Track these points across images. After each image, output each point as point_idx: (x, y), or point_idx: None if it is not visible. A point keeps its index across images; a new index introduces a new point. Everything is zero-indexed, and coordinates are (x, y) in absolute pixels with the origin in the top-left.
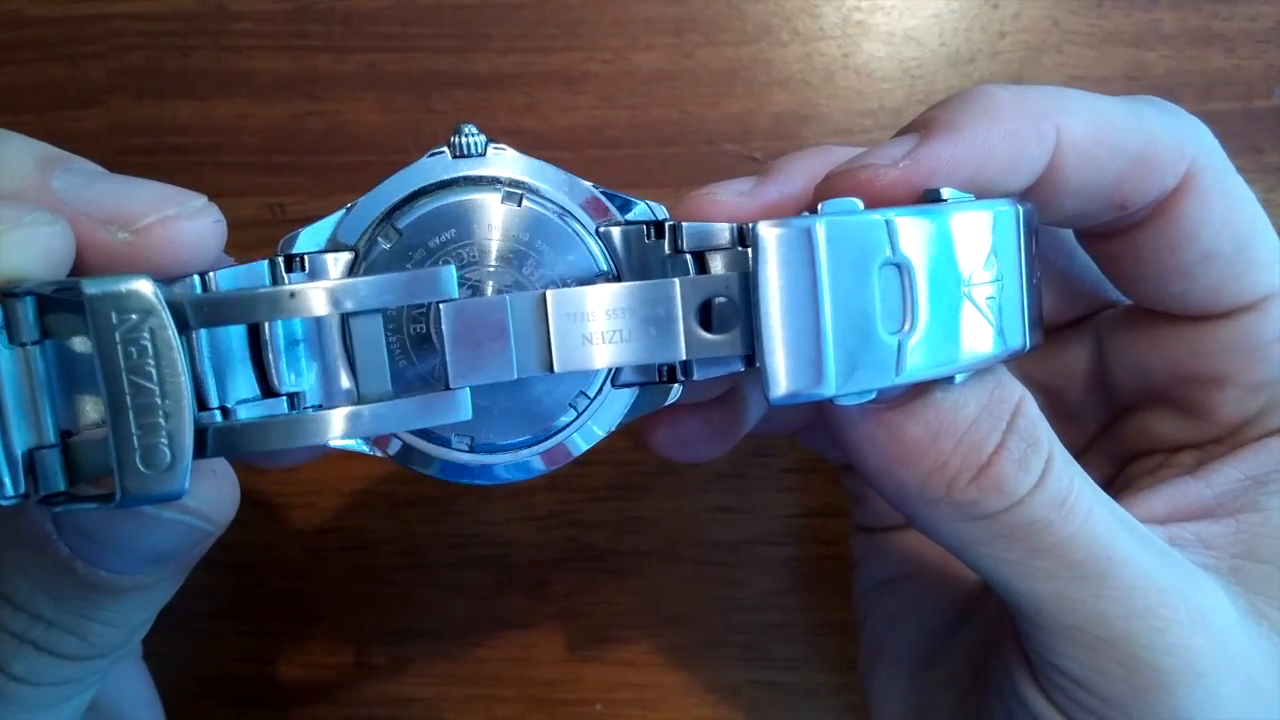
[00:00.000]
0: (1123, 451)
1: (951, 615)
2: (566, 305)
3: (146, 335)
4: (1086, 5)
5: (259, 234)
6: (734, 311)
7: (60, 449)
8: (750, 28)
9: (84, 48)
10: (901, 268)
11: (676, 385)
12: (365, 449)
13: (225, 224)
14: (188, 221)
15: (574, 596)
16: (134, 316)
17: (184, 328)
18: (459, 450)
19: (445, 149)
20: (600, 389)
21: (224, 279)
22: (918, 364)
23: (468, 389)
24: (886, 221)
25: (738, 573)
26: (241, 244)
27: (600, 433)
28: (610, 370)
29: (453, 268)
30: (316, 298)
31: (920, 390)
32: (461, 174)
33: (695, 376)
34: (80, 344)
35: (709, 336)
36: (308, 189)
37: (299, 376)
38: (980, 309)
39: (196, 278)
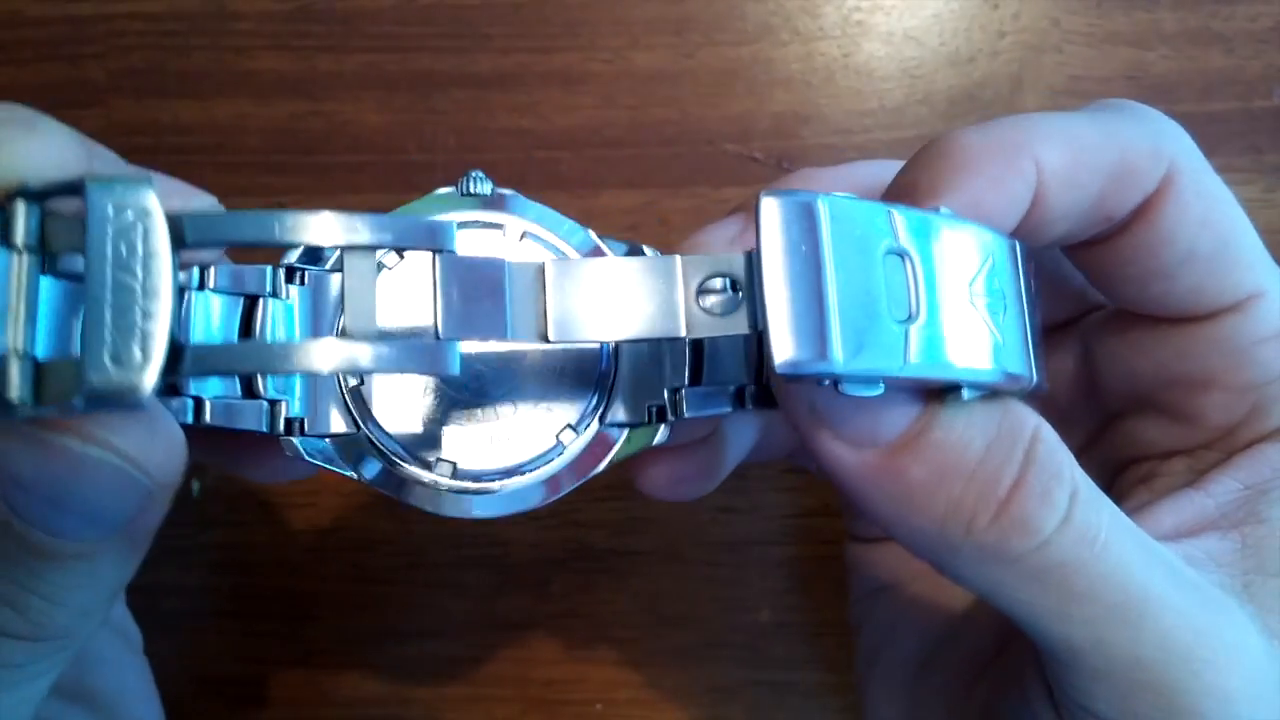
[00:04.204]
0: (1114, 459)
1: (947, 623)
2: (565, 275)
3: (139, 236)
4: (1086, 5)
5: None
6: (737, 292)
7: (31, 360)
8: (750, 28)
9: (84, 48)
10: (905, 257)
11: (664, 426)
12: (349, 473)
13: None
14: None
15: (574, 596)
16: (130, 215)
17: (179, 245)
18: (441, 476)
19: (453, 187)
20: (587, 425)
21: (223, 274)
22: (925, 357)
23: (456, 342)
24: (888, 210)
25: (738, 573)
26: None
27: (576, 481)
28: (599, 407)
29: (454, 222)
30: (309, 225)
31: (920, 429)
32: (467, 211)
33: (685, 415)
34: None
35: (711, 315)
36: (308, 189)
37: (284, 381)
38: (986, 320)
39: (196, 270)
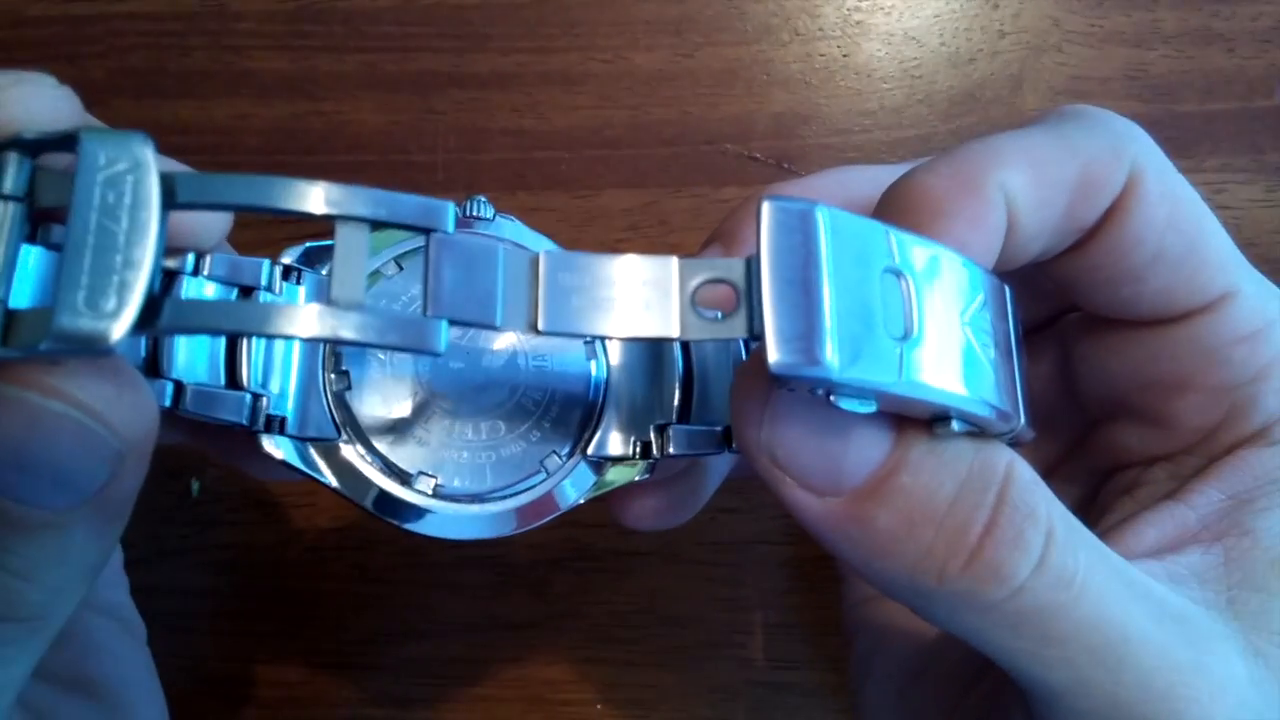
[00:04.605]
0: (1095, 468)
1: (938, 633)
2: (559, 266)
3: (128, 185)
4: (1086, 5)
5: (259, 234)
6: (735, 297)
7: (3, 306)
8: (750, 28)
9: (84, 48)
10: (903, 277)
11: (645, 463)
12: (324, 480)
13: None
14: None
15: (574, 596)
16: (122, 165)
17: (170, 203)
18: (420, 492)
19: (457, 209)
20: (572, 455)
21: (219, 262)
22: (920, 376)
23: (444, 322)
24: (887, 230)
25: (738, 573)
26: (239, 242)
27: (563, 505)
28: (585, 438)
29: (452, 205)
30: (302, 192)
31: (885, 473)
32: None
33: (671, 452)
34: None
35: (705, 319)
36: None
37: (269, 377)
38: (979, 351)
39: (192, 255)
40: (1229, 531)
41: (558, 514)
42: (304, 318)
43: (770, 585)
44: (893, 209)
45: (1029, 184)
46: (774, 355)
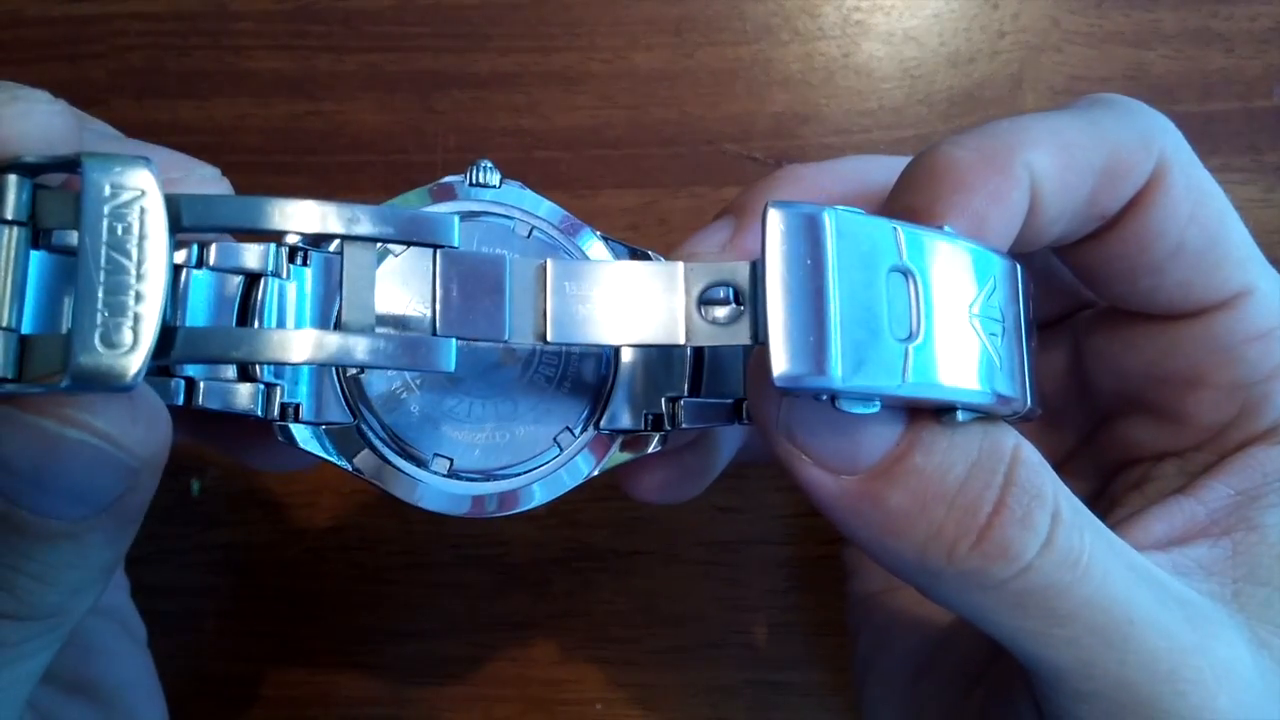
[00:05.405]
0: (1105, 462)
1: (942, 628)
2: (566, 276)
3: (135, 215)
4: (1086, 5)
5: None
6: (740, 301)
7: (16, 336)
8: (750, 28)
9: (84, 48)
10: (909, 275)
11: (658, 435)
12: (341, 463)
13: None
14: (196, 186)
15: (574, 596)
16: (127, 194)
17: (176, 227)
18: (437, 472)
19: (461, 176)
20: (584, 429)
21: (223, 251)
22: (923, 376)
23: (454, 340)
24: (894, 227)
25: (738, 573)
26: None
27: (570, 481)
28: (597, 412)
29: (457, 217)
30: (309, 213)
31: (899, 454)
32: (475, 201)
33: (682, 425)
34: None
35: (711, 324)
36: (308, 189)
37: (280, 370)
38: (985, 342)
39: (195, 246)
40: (1237, 526)
41: (571, 488)
42: (316, 343)
43: (770, 585)
44: (916, 179)
45: (1055, 165)
46: (778, 367)
